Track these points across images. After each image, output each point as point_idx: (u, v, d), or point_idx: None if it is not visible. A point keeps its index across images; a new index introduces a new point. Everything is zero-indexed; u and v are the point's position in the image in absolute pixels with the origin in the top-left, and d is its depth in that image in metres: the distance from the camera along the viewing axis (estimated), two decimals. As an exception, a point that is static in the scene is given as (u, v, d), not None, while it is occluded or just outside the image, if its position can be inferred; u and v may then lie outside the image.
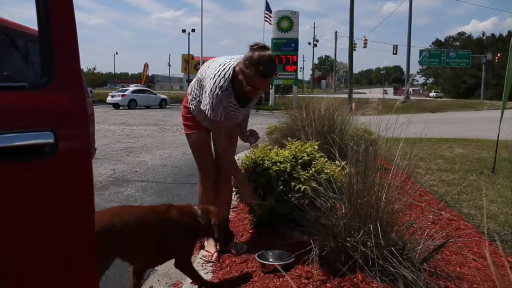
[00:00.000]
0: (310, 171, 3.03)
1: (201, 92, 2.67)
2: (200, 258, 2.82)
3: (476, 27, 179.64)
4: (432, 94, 60.08)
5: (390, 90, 59.94)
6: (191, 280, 2.49)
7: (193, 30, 52.08)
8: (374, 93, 54.24)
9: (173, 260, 2.68)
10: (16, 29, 2.73)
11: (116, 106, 25.97)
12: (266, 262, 2.55)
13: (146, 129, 13.52)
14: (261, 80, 2.48)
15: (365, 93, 60.73)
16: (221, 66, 2.56)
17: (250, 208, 3.23)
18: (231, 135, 2.89)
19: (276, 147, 3.57)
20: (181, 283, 2.59)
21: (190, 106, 2.80)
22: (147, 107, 26.90)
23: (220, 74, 2.52)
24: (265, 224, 3.17)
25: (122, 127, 13.80)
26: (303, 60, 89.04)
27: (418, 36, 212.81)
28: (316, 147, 3.44)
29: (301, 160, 3.18)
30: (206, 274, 2.56)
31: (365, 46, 42.66)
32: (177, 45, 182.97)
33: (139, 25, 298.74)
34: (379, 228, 2.20)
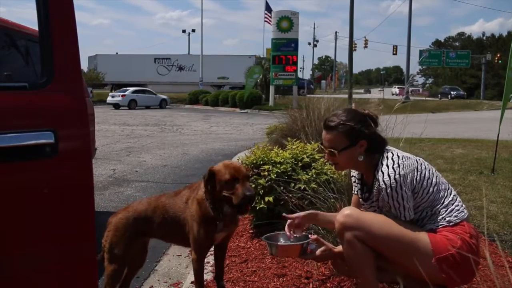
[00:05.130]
0: (310, 173, 3.04)
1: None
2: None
3: (482, 28, 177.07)
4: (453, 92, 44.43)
5: (389, 90, 59.93)
6: (191, 280, 2.49)
7: (193, 31, 52.26)
8: (374, 93, 54.28)
9: (173, 260, 2.68)
10: (16, 29, 2.73)
11: (116, 106, 25.99)
12: (279, 243, 1.97)
13: (146, 129, 13.53)
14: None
15: (367, 93, 60.88)
16: None
17: (251, 209, 3.24)
18: None
19: (276, 147, 3.57)
20: (181, 283, 2.59)
21: None
22: (147, 107, 26.89)
23: None
24: (265, 224, 3.17)
25: (122, 127, 13.80)
26: (303, 60, 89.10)
27: (421, 36, 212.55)
28: (316, 148, 3.44)
29: (301, 163, 3.19)
30: (206, 274, 2.56)
31: (365, 46, 42.66)
32: (178, 46, 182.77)
33: (140, 26, 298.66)
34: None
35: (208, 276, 2.54)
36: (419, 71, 74.49)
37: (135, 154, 8.18)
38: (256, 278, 2.45)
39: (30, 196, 1.22)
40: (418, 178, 1.75)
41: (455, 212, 1.75)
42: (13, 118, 1.21)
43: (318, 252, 1.94)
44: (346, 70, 48.03)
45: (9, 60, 2.41)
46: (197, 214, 1.99)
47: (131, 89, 27.61)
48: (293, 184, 2.98)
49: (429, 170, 1.81)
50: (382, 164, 1.78)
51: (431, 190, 1.76)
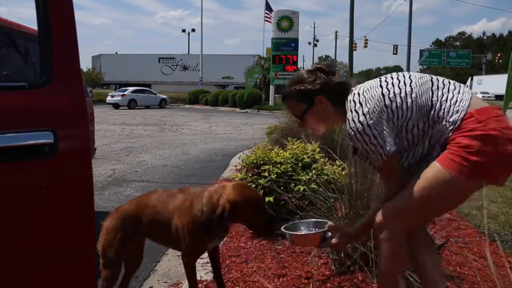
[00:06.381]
0: (311, 173, 3.04)
1: None
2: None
3: (485, 27, 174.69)
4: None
5: None
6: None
7: (193, 30, 52.21)
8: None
9: (173, 260, 2.65)
10: (16, 28, 2.73)
11: (116, 106, 25.98)
12: (295, 233, 1.90)
13: (146, 129, 13.52)
14: None
15: None
16: None
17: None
18: None
19: (277, 147, 3.57)
20: (181, 283, 2.58)
21: None
22: (147, 107, 26.87)
23: None
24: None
25: (122, 127, 13.79)
26: (303, 60, 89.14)
27: (421, 35, 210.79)
28: (317, 149, 3.44)
29: (301, 163, 3.19)
30: (206, 274, 2.56)
31: (365, 46, 42.63)
32: (179, 45, 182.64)
33: (141, 25, 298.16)
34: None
35: (208, 276, 2.53)
36: (419, 71, 74.37)
37: (135, 154, 8.17)
38: (256, 278, 2.45)
39: (30, 196, 1.22)
40: (388, 104, 1.59)
41: (452, 106, 1.54)
42: (12, 118, 1.20)
43: (334, 240, 1.84)
44: (347, 70, 48.00)
45: (9, 60, 2.40)
46: (192, 224, 1.94)
47: (131, 88, 27.58)
48: (293, 185, 2.98)
49: (399, 86, 1.62)
50: (347, 111, 1.67)
51: (412, 107, 1.58)
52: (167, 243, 2.25)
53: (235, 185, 1.96)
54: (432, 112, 1.57)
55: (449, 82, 1.64)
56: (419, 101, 1.59)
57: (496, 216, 3.65)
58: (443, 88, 1.61)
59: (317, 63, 1.88)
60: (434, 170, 1.53)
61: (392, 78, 1.68)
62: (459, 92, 1.59)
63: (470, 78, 41.46)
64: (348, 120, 1.65)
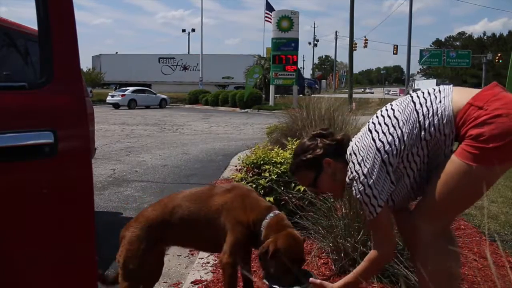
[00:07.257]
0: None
1: None
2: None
3: (486, 27, 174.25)
4: None
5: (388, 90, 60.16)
6: (191, 280, 2.48)
7: (193, 30, 52.19)
8: (377, 93, 54.51)
9: (173, 260, 2.64)
10: (16, 28, 2.73)
11: (116, 106, 25.98)
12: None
13: (146, 129, 13.52)
14: None
15: (372, 92, 61.48)
16: None
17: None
18: None
19: (277, 147, 3.57)
20: (181, 283, 2.58)
21: None
22: (147, 107, 26.87)
23: None
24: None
25: (122, 127, 13.79)
26: (303, 60, 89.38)
27: (422, 35, 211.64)
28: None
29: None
30: (206, 274, 2.56)
31: (365, 46, 42.63)
32: (180, 45, 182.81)
33: (141, 25, 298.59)
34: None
35: (208, 276, 2.53)
36: (419, 71, 74.37)
37: (135, 154, 8.17)
38: (256, 278, 2.44)
39: (30, 196, 1.22)
40: (380, 145, 1.59)
41: (440, 120, 1.53)
42: (13, 118, 1.20)
43: None
44: (347, 70, 48.05)
45: (9, 60, 2.40)
46: (245, 222, 1.91)
47: (131, 88, 27.57)
48: (293, 185, 2.98)
49: (385, 122, 1.63)
50: (349, 162, 1.69)
51: (403, 136, 1.58)
52: (201, 246, 2.15)
53: (290, 235, 1.87)
54: (423, 133, 1.56)
55: (429, 94, 1.62)
56: (408, 127, 1.57)
57: (496, 216, 3.65)
58: (426, 102, 1.59)
59: (314, 130, 1.88)
60: (454, 165, 1.52)
61: (377, 117, 1.69)
62: (440, 102, 1.56)
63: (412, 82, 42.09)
64: (349, 169, 1.67)
